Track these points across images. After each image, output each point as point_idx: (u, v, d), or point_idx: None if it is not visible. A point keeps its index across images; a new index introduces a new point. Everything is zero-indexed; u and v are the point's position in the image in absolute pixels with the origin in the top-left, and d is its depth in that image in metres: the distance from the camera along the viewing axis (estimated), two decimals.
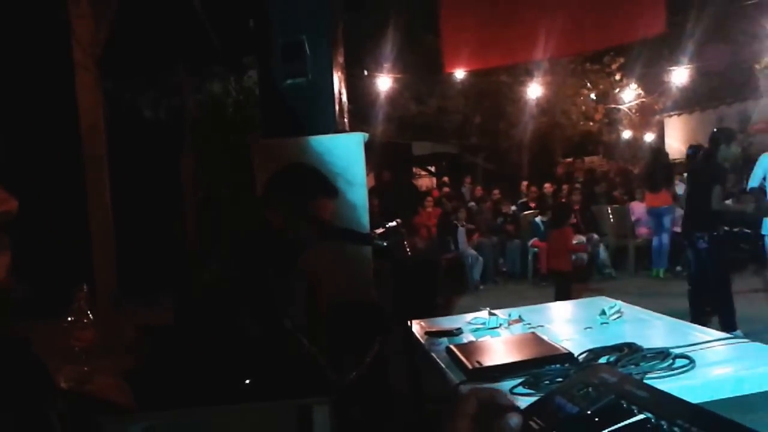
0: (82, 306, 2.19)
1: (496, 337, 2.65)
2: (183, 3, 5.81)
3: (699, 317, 5.47)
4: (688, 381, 1.89)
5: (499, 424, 0.71)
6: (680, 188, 9.01)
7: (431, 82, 12.68)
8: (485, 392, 0.76)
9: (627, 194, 11.30)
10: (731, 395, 1.89)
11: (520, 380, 1.96)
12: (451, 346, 2.37)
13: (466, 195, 12.74)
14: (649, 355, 2.01)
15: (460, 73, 11.17)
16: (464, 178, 14.13)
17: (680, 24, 10.34)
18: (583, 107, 14.93)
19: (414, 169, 17.15)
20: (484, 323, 2.81)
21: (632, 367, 1.96)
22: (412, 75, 12.24)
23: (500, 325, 2.80)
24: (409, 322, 2.10)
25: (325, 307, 2.65)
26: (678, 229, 7.84)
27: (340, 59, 4.02)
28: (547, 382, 1.91)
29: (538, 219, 10.08)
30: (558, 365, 2.05)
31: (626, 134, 15.73)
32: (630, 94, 15.07)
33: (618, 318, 2.75)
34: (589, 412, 0.76)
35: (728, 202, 5.89)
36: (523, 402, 0.82)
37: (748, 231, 6.73)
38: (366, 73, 11.37)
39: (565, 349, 2.16)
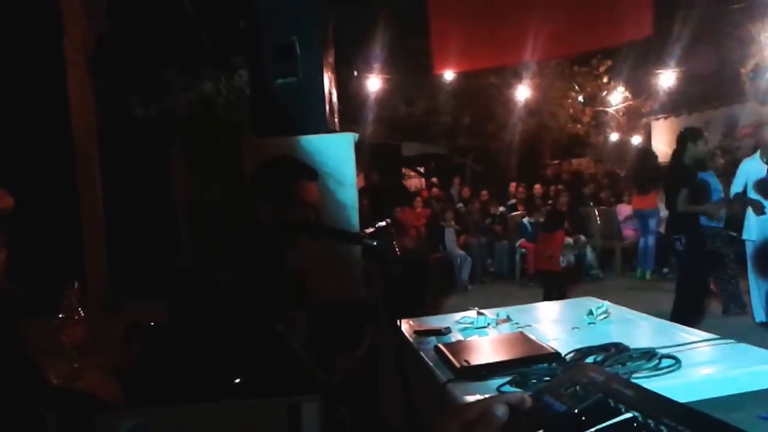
0: (73, 303, 2.20)
1: (484, 336, 2.66)
2: (174, 2, 5.80)
3: (684, 318, 5.50)
4: (674, 381, 1.90)
5: (486, 415, 0.72)
6: None
7: (421, 84, 12.69)
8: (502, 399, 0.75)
9: (614, 196, 11.38)
10: (716, 395, 1.90)
11: (507, 379, 1.97)
12: (440, 345, 2.37)
13: (455, 196, 12.78)
14: (635, 355, 2.02)
15: (449, 75, 11.22)
16: (453, 179, 14.18)
17: (667, 27, 10.41)
18: (571, 110, 14.98)
19: (403, 170, 17.15)
20: (472, 322, 2.82)
21: (619, 366, 1.97)
22: (401, 76, 12.26)
23: (488, 324, 2.80)
24: (398, 321, 2.11)
25: (314, 305, 2.66)
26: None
27: (331, 60, 4.02)
28: (534, 381, 1.92)
29: (525, 220, 10.14)
30: (545, 364, 2.06)
31: (614, 137, 15.79)
32: (617, 97, 15.12)
33: (605, 318, 2.77)
34: (576, 411, 0.76)
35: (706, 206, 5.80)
36: None
37: (734, 234, 6.75)
38: (356, 73, 11.38)
39: (553, 348, 2.17)
